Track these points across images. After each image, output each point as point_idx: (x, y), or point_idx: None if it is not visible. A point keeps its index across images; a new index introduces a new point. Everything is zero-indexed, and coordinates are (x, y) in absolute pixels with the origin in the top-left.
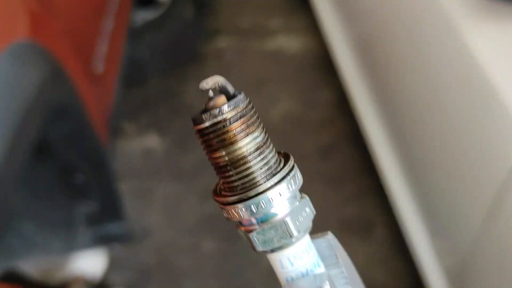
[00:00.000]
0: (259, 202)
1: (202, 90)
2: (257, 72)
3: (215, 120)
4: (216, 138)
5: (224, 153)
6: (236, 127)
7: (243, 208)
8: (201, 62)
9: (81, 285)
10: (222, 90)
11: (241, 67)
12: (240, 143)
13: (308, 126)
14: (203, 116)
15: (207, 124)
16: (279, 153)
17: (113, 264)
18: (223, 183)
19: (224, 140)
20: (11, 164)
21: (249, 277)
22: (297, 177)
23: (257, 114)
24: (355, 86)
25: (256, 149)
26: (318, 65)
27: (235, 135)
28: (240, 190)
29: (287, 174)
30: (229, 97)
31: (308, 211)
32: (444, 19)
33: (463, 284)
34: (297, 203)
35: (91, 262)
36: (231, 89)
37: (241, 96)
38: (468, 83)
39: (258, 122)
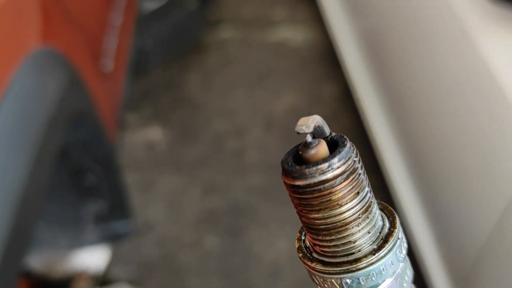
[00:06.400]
0: (369, 274)
1: (298, 133)
2: (260, 64)
3: (323, 178)
4: (317, 199)
5: (323, 215)
6: (343, 187)
7: (347, 280)
8: (203, 53)
9: (86, 280)
10: (317, 132)
11: (244, 58)
12: (346, 206)
13: None
14: (306, 171)
15: (309, 181)
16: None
17: (116, 259)
18: (315, 243)
19: (328, 201)
20: (38, 177)
21: (252, 273)
22: (404, 241)
23: (363, 166)
24: (360, 81)
25: (364, 212)
26: (322, 58)
27: (341, 197)
28: (340, 256)
29: (396, 240)
30: (327, 141)
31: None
32: (454, 16)
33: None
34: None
35: (93, 257)
36: (327, 130)
37: (348, 145)
38: (478, 82)
39: (365, 176)
